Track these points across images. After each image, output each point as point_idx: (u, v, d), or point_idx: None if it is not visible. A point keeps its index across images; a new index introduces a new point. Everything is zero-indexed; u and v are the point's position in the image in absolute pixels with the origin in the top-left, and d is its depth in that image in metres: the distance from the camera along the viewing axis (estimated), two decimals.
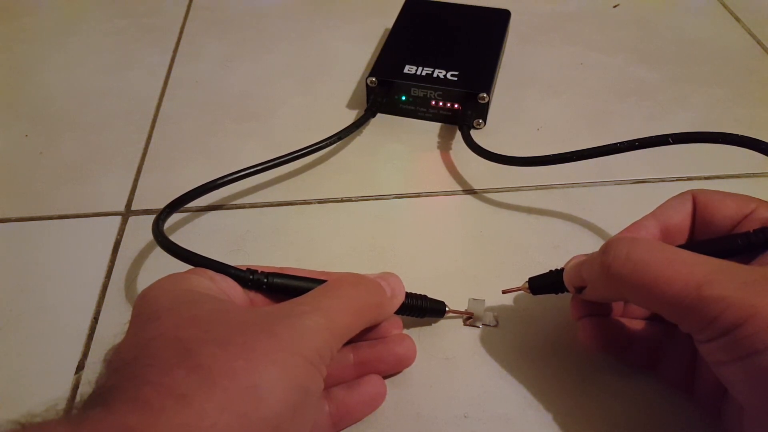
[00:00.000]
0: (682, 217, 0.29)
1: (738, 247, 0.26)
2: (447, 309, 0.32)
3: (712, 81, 0.49)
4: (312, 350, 0.22)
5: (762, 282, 0.22)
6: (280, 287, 0.28)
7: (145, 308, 0.24)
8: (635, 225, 0.29)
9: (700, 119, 0.46)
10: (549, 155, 0.37)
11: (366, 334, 0.29)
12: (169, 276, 0.26)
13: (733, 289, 0.22)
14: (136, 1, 0.59)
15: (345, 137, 0.41)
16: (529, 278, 0.31)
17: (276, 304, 0.25)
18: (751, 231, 0.26)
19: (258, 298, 0.28)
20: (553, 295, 0.30)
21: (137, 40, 0.54)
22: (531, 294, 0.31)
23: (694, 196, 0.29)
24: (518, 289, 0.32)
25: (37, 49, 0.53)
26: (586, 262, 0.27)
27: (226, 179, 0.36)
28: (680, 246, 0.29)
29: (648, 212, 0.29)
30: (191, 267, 0.27)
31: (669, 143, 0.31)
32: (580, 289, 0.28)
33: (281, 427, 0.21)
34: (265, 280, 0.27)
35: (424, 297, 0.31)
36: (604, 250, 0.25)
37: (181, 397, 0.19)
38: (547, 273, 0.30)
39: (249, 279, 0.27)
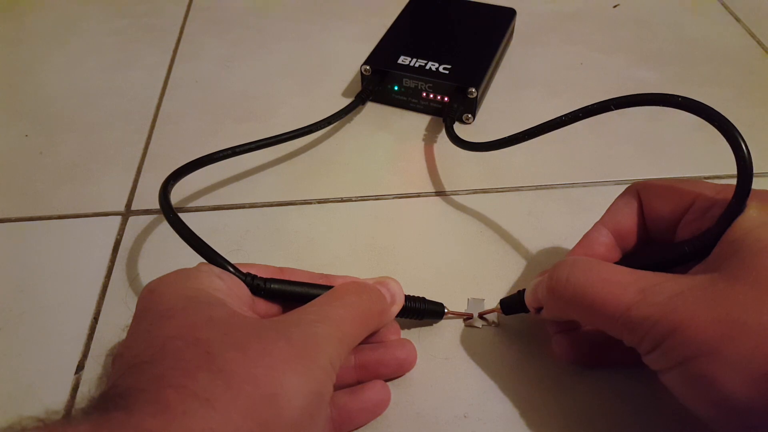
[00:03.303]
0: (630, 219, 0.29)
1: (686, 254, 0.26)
2: (446, 311, 0.32)
3: (712, 81, 0.49)
4: (325, 358, 0.23)
5: (687, 292, 0.23)
6: (278, 293, 0.28)
7: (156, 304, 0.24)
8: (587, 238, 0.30)
9: (700, 119, 0.46)
10: (505, 137, 0.36)
11: (366, 339, 0.29)
12: (178, 272, 0.25)
13: (657, 306, 0.23)
14: (136, 1, 0.59)
15: (334, 122, 0.42)
16: (500, 300, 0.32)
17: (284, 314, 0.25)
18: (697, 236, 0.26)
19: (258, 301, 0.28)
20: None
21: (137, 40, 0.54)
22: (503, 315, 0.31)
23: (639, 192, 0.29)
24: (492, 311, 0.32)
25: (37, 49, 0.53)
26: (538, 284, 0.28)
27: (225, 153, 0.37)
28: (631, 253, 0.30)
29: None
30: (190, 265, 0.27)
31: (611, 109, 0.31)
32: (539, 310, 0.29)
33: None
34: (264, 286, 0.27)
35: (423, 299, 0.31)
36: (550, 274, 0.26)
37: (205, 402, 0.19)
38: (514, 294, 0.31)
39: (249, 284, 0.27)
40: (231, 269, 0.27)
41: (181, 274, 0.25)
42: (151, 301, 0.24)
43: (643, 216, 0.29)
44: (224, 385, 0.20)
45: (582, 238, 0.30)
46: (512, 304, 0.31)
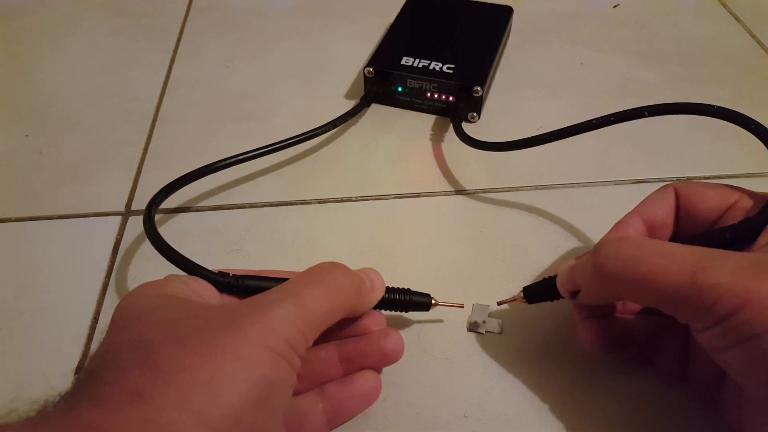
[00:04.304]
0: (665, 212, 0.29)
1: (727, 240, 0.26)
2: (433, 302, 0.31)
3: (712, 81, 0.49)
4: (280, 340, 0.22)
5: (756, 266, 0.22)
6: (251, 289, 0.27)
7: (118, 317, 0.24)
8: (620, 224, 0.30)
9: (700, 119, 0.46)
10: (528, 137, 0.37)
11: (348, 331, 0.29)
12: (144, 284, 0.25)
13: (727, 274, 0.22)
14: (136, 1, 0.59)
15: (340, 125, 0.42)
16: (524, 288, 0.31)
17: (247, 299, 0.24)
18: (737, 223, 0.26)
19: (233, 301, 0.27)
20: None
21: (137, 40, 0.54)
22: (526, 303, 0.31)
23: (676, 190, 0.29)
24: (513, 300, 0.32)
25: (37, 49, 0.53)
26: (578, 265, 0.27)
27: (221, 164, 0.37)
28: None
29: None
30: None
31: (644, 116, 0.31)
32: (574, 294, 0.28)
33: (243, 421, 0.20)
34: (236, 282, 0.27)
35: (408, 290, 0.30)
36: (595, 251, 0.26)
37: (138, 395, 0.19)
38: (540, 281, 0.30)
39: (219, 282, 0.27)
40: (203, 273, 0.27)
41: (147, 284, 0.25)
42: (117, 315, 0.24)
43: (678, 213, 0.29)
44: (156, 378, 0.20)
45: (615, 225, 0.30)
46: (539, 291, 0.30)
